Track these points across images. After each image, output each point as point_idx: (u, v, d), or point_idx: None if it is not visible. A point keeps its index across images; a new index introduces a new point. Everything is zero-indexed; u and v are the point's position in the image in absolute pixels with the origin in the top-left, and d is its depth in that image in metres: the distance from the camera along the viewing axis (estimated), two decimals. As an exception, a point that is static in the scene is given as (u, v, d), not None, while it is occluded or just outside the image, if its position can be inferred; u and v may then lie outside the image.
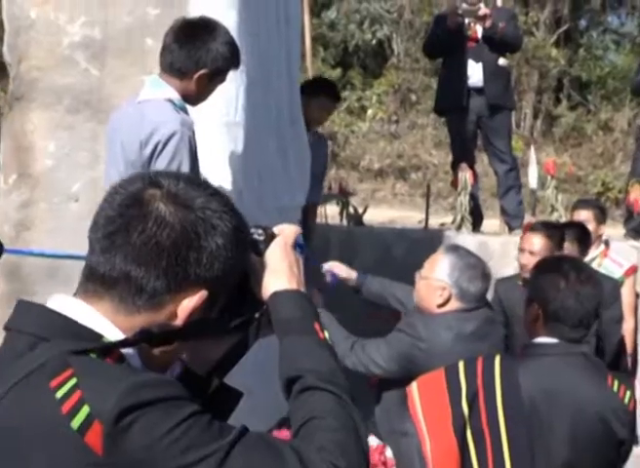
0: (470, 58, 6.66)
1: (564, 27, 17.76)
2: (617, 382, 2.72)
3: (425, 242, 5.80)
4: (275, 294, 1.43)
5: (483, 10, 6.63)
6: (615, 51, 19.17)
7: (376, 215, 7.72)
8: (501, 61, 6.80)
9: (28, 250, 4.40)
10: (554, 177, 7.15)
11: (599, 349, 4.51)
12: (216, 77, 3.46)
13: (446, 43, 6.79)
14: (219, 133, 3.91)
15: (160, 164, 3.34)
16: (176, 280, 1.30)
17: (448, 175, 7.13)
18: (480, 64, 6.65)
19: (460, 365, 2.77)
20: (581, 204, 5.88)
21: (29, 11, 4.28)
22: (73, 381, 1.21)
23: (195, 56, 3.39)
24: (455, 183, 6.78)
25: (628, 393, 2.72)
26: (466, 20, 6.63)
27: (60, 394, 1.20)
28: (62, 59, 4.26)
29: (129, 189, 1.34)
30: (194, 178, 1.40)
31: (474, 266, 3.28)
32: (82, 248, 4.37)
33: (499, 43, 6.69)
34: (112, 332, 1.31)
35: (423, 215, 7.56)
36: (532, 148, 7.37)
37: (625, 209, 6.94)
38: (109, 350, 1.28)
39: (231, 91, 3.72)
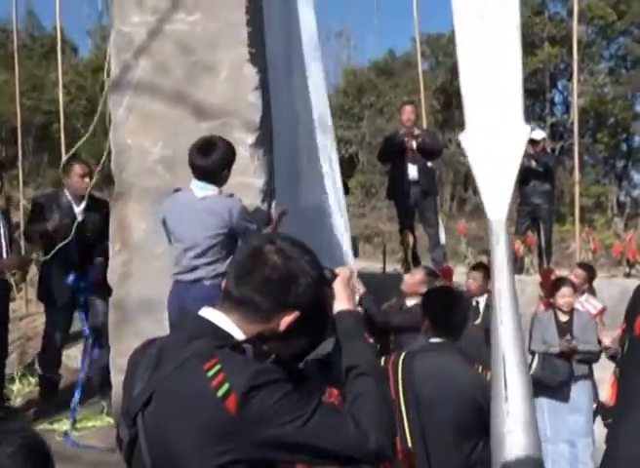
0: (409, 162, 6.61)
1: (468, 142, 17.96)
2: (480, 366, 2.74)
3: (384, 281, 5.84)
4: (340, 312, 1.47)
5: (416, 131, 6.65)
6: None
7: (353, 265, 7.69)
8: (429, 164, 6.77)
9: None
10: (465, 236, 7.20)
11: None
12: None
13: (392, 154, 6.77)
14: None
15: (241, 221, 3.65)
16: (281, 305, 1.34)
17: (398, 239, 7.14)
18: (415, 166, 6.61)
19: (385, 357, 2.81)
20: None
21: (127, 139, 4.36)
22: (218, 367, 1.26)
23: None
24: (402, 243, 6.78)
25: (488, 373, 2.59)
26: (405, 139, 6.63)
27: (210, 374, 1.25)
28: (148, 170, 4.32)
29: (254, 244, 1.40)
30: (295, 240, 1.42)
31: None
32: (164, 291, 4.23)
33: (427, 152, 6.67)
34: (238, 334, 1.35)
35: (382, 265, 7.53)
36: (442, 221, 7.14)
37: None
38: (237, 346, 1.33)
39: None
